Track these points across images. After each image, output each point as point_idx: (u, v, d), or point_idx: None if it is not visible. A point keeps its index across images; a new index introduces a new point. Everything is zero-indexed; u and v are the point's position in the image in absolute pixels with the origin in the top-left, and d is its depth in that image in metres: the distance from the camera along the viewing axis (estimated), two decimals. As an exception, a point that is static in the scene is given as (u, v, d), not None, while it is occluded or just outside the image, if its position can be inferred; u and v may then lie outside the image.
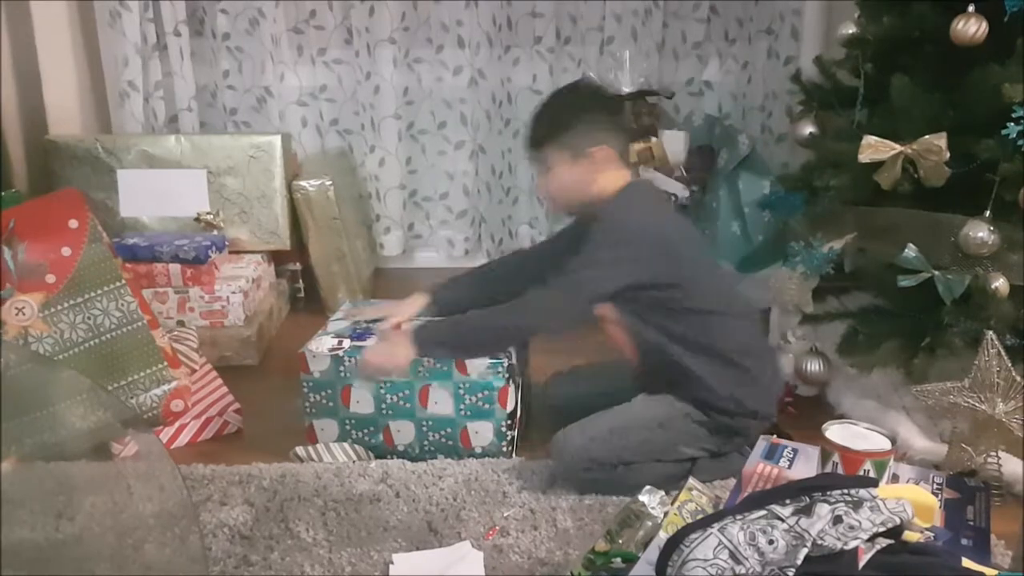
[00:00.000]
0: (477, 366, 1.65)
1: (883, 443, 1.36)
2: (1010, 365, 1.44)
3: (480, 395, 1.65)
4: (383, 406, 1.69)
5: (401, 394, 1.68)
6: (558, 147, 1.63)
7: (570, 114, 1.63)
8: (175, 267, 2.23)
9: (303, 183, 2.49)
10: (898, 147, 1.62)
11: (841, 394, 1.87)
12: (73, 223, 1.75)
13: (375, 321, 1.78)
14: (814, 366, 1.88)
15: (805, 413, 1.87)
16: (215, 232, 2.43)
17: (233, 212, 2.48)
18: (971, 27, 1.55)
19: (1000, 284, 1.51)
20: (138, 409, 1.71)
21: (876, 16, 1.82)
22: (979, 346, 1.47)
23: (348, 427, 1.72)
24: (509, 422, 1.68)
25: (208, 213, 2.46)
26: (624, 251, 1.54)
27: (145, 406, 1.74)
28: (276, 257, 2.60)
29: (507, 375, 1.65)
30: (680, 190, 2.54)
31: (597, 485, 1.54)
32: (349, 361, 1.67)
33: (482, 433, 1.68)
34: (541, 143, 1.66)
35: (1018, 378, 1.44)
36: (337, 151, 2.92)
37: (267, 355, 2.30)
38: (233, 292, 2.25)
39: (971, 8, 1.56)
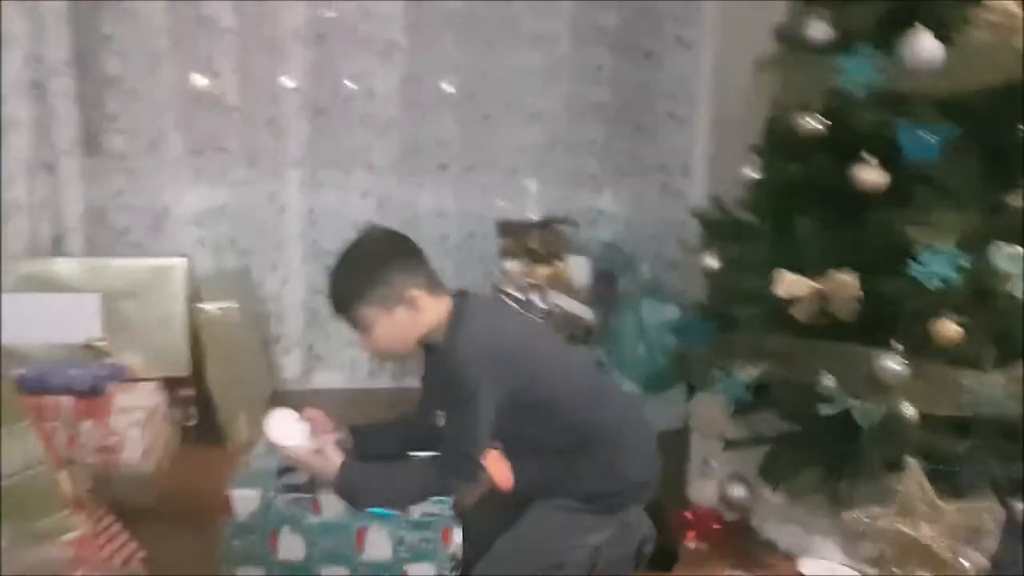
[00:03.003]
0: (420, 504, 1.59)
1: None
2: (931, 490, 1.53)
3: (422, 535, 1.60)
4: (315, 551, 1.60)
5: (335, 537, 1.59)
6: (370, 304, 1.53)
7: (375, 267, 1.53)
8: (67, 400, 2.05)
9: (205, 306, 2.39)
10: (815, 285, 1.73)
11: (765, 519, 1.92)
12: (-33, 358, 1.60)
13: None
14: (738, 491, 1.93)
15: (731, 540, 1.90)
16: (107, 359, 2.27)
17: (125, 338, 2.34)
18: (873, 176, 1.70)
19: (912, 412, 1.62)
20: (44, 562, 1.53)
21: (777, 164, 1.98)
22: (900, 473, 1.56)
23: (275, 576, 1.61)
24: (453, 563, 1.62)
25: (100, 339, 2.30)
26: (483, 387, 1.48)
27: (49, 559, 1.57)
28: (167, 384, 2.45)
29: (451, 511, 1.61)
30: (587, 313, 2.62)
31: None
32: (280, 504, 1.58)
33: (422, 576, 1.61)
34: (350, 305, 1.54)
35: (940, 504, 1.53)
36: (236, 270, 2.83)
37: (166, 494, 2.13)
38: (130, 425, 2.09)
39: (870, 160, 1.70)
